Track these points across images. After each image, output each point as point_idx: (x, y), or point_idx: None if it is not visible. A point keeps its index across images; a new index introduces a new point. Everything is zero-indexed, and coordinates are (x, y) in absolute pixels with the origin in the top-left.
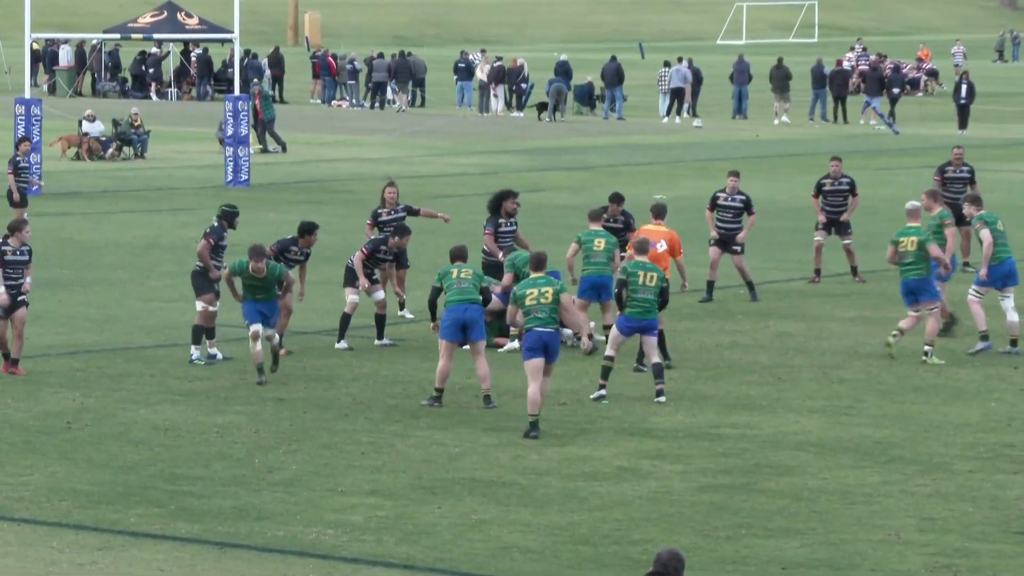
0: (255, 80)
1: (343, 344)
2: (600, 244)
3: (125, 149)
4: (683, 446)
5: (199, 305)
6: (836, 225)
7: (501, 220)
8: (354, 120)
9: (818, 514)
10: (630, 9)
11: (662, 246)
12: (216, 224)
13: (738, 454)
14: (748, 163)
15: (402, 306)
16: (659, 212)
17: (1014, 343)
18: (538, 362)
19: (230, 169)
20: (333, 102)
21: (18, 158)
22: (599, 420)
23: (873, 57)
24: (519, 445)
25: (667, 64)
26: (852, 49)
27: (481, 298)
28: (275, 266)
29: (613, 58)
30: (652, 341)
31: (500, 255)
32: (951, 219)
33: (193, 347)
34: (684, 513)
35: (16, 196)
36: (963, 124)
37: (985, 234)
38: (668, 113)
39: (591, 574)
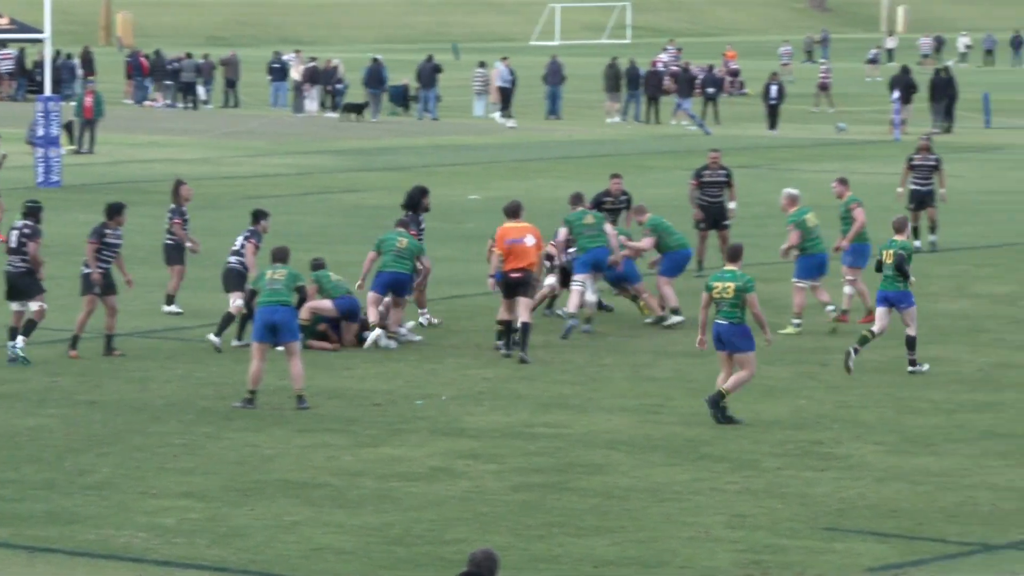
0: (91, 79)
1: (215, 338)
2: (402, 243)
3: None
4: (497, 445)
5: (36, 305)
6: None
7: (421, 217)
8: (167, 120)
9: (629, 512)
10: (444, 10)
11: (530, 240)
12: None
13: (551, 453)
14: (562, 164)
15: (170, 301)
16: (514, 211)
17: (588, 320)
18: (721, 355)
19: (41, 170)
20: (145, 102)
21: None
22: (413, 420)
23: (683, 60)
24: (332, 446)
25: (482, 64)
26: (665, 50)
27: (295, 299)
28: None
29: (429, 58)
30: None
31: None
32: (858, 202)
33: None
34: (497, 512)
35: None
36: (773, 124)
37: (563, 232)
38: (501, 113)
39: (405, 574)
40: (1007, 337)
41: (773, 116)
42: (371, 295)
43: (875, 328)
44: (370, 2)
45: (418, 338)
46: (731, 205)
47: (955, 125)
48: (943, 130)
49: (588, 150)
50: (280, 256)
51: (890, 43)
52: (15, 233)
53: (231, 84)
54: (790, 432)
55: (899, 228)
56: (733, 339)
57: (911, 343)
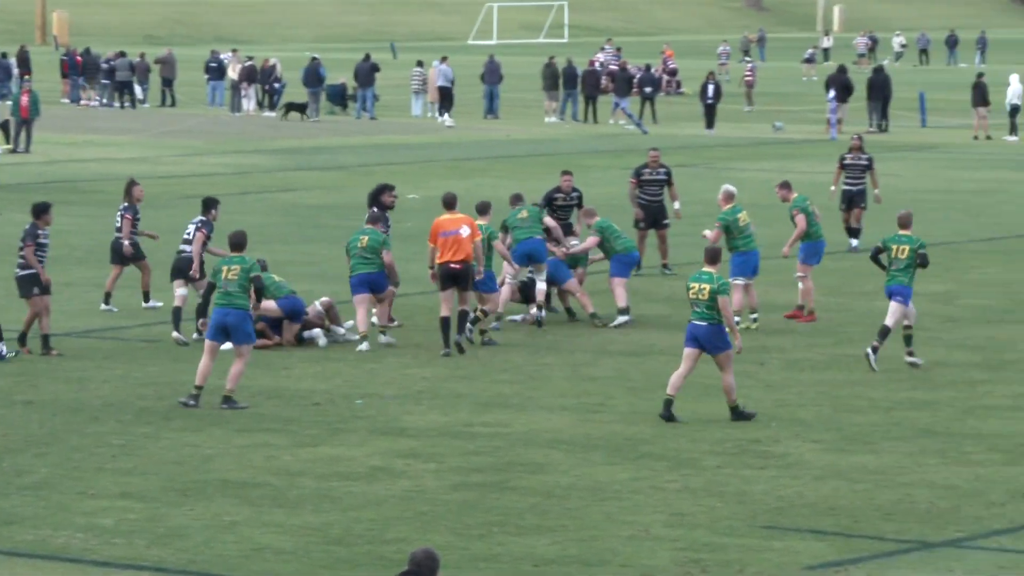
0: (27, 78)
1: (178, 335)
2: (363, 241)
3: None
4: (436, 445)
5: None
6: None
7: (387, 215)
8: (104, 120)
9: (569, 511)
10: (381, 9)
11: (465, 231)
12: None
13: (491, 452)
14: (500, 163)
15: (147, 298)
16: (450, 202)
17: (540, 308)
18: (689, 351)
19: None
20: (81, 101)
21: None
22: (352, 420)
23: (622, 59)
24: (272, 446)
25: (420, 64)
26: (602, 50)
27: (248, 300)
28: None
29: (367, 57)
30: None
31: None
32: (799, 207)
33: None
34: (437, 512)
35: None
36: (710, 124)
37: (501, 240)
38: (440, 113)
39: (345, 574)
40: (943, 336)
41: (710, 115)
42: (355, 298)
43: (906, 322)
44: (307, 1)
45: (356, 337)
46: (676, 205)
47: (891, 124)
48: (879, 129)
49: (526, 149)
50: (237, 243)
51: (826, 42)
52: None
53: (168, 83)
54: (729, 431)
55: (904, 224)
56: (713, 340)
57: (885, 332)
